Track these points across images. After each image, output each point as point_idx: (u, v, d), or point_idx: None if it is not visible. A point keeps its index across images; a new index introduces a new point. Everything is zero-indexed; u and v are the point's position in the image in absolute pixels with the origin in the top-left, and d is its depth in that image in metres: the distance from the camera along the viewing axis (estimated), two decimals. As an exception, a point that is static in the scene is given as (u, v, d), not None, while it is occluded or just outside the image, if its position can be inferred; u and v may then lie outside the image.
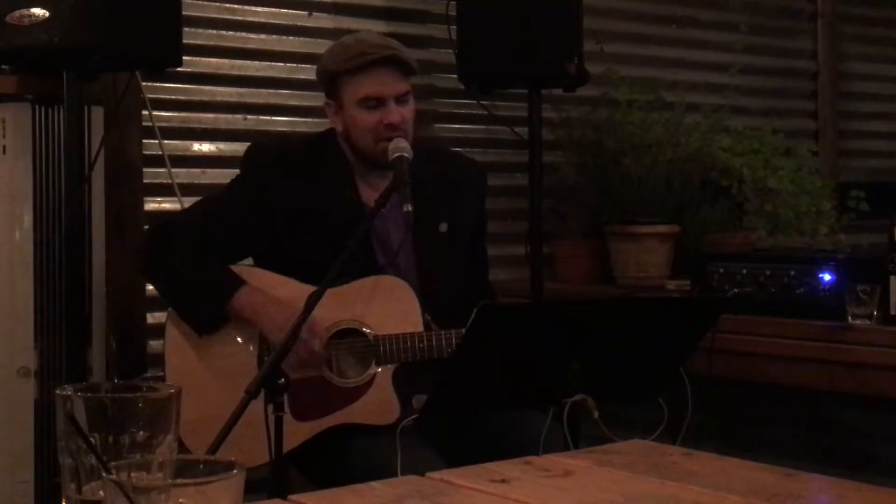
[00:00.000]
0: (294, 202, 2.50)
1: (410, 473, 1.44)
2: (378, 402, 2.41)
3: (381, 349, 2.42)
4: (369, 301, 2.44)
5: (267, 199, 2.50)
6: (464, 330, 2.35)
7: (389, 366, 2.43)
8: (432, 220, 2.55)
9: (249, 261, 2.61)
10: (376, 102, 2.48)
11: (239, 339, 2.48)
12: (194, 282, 2.47)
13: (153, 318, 3.16)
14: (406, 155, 2.41)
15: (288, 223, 2.49)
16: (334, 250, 2.22)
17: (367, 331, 2.44)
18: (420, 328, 2.44)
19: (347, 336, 2.46)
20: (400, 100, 2.49)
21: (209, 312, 2.43)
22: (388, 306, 2.44)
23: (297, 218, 2.49)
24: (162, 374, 2.55)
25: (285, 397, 2.13)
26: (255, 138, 3.35)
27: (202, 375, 2.42)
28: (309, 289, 2.29)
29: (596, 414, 1.93)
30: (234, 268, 2.49)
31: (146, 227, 3.08)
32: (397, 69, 2.49)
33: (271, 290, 2.45)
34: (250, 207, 2.50)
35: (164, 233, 2.56)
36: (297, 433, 2.31)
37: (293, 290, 2.42)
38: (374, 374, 2.43)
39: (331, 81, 2.54)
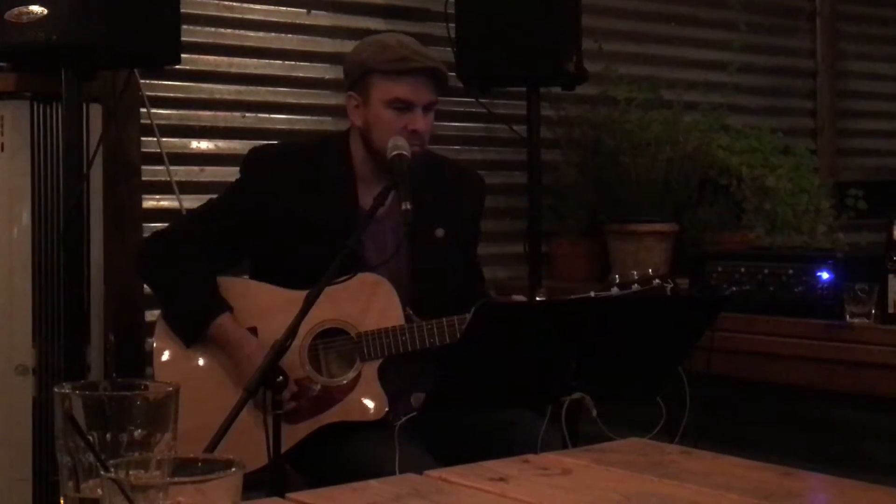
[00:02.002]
0: (290, 205, 2.50)
1: (407, 472, 1.44)
2: (366, 399, 2.42)
3: (365, 346, 2.43)
4: (350, 299, 2.44)
5: (263, 203, 2.51)
6: (445, 319, 2.38)
7: (374, 361, 2.43)
8: (429, 225, 2.55)
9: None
10: (406, 106, 2.48)
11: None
12: (182, 297, 2.51)
13: (151, 315, 3.15)
14: (405, 153, 2.41)
15: (284, 226, 2.50)
16: (330, 254, 2.23)
17: (350, 329, 2.45)
18: (401, 322, 2.45)
19: (331, 335, 2.46)
20: (427, 108, 2.50)
21: (190, 331, 2.48)
22: (368, 302, 2.45)
23: (294, 221, 2.50)
24: None
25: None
26: (254, 136, 3.35)
27: (192, 385, 2.42)
28: (295, 294, 2.33)
29: (594, 412, 1.93)
30: (224, 281, 2.51)
31: (146, 235, 3.10)
32: (433, 79, 2.50)
33: (258, 300, 2.49)
34: (246, 211, 2.52)
35: (162, 240, 2.59)
36: (289, 436, 2.31)
37: (281, 298, 2.45)
38: (360, 371, 2.44)
39: (362, 76, 2.52)
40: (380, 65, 2.49)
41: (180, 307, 2.51)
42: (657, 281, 2.45)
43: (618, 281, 2.47)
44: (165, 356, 2.51)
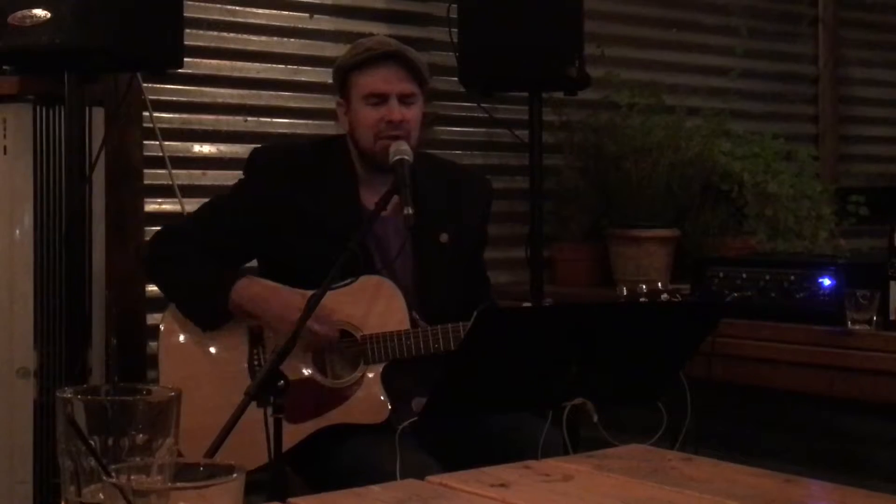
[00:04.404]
0: (294, 206, 2.51)
1: (408, 477, 1.44)
2: (368, 402, 2.42)
3: (369, 349, 2.43)
4: (356, 302, 2.44)
5: (266, 203, 2.51)
6: (450, 325, 2.38)
7: (378, 365, 2.44)
8: (434, 230, 2.55)
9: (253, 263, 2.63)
10: (379, 99, 2.50)
11: (229, 348, 2.50)
12: (195, 281, 2.51)
13: (153, 318, 3.15)
14: (406, 158, 2.42)
15: (288, 227, 2.50)
16: (334, 254, 2.23)
17: (355, 331, 2.45)
18: (407, 326, 2.45)
19: None
20: (404, 100, 2.51)
21: (211, 307, 2.47)
22: (374, 306, 2.45)
23: (297, 221, 2.50)
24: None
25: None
26: (256, 140, 3.35)
27: (196, 383, 2.42)
28: (303, 293, 2.32)
29: (595, 418, 1.93)
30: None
31: (151, 230, 3.11)
32: (404, 69, 2.51)
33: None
34: (250, 211, 2.52)
35: (167, 238, 2.59)
36: (290, 435, 2.31)
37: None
38: (363, 374, 2.44)
39: (342, 79, 2.57)
40: (349, 62, 2.54)
41: (196, 290, 2.51)
42: (665, 296, 2.46)
43: (625, 294, 2.47)
44: (170, 357, 2.51)
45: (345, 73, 2.55)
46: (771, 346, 2.95)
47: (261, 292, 2.46)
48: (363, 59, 2.51)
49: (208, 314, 2.48)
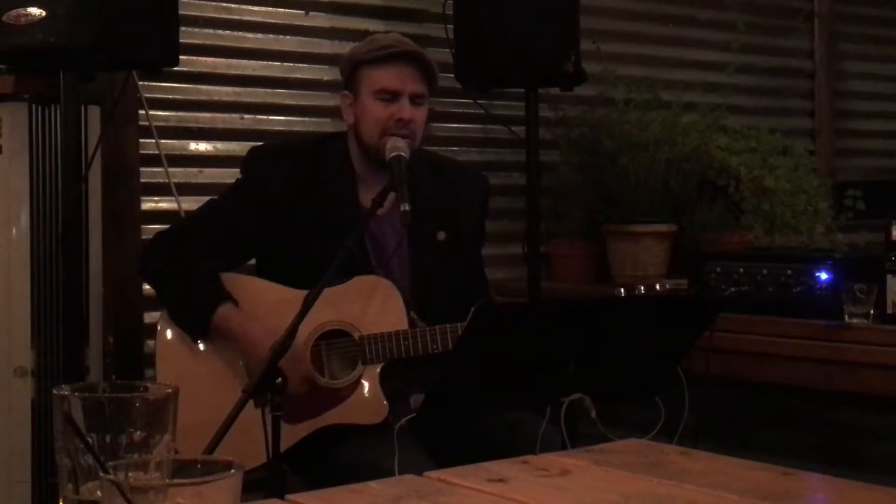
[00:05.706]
0: (291, 204, 2.51)
1: (406, 473, 1.44)
2: (366, 402, 2.42)
3: (367, 349, 2.43)
4: (354, 301, 2.44)
5: (264, 202, 2.51)
6: (448, 325, 2.38)
7: (376, 365, 2.43)
8: (431, 228, 2.55)
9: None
10: (391, 97, 2.50)
11: (226, 346, 2.49)
12: (183, 292, 2.51)
13: (150, 317, 3.15)
14: (403, 154, 2.42)
15: (285, 225, 2.50)
16: (333, 253, 2.23)
17: (353, 331, 2.45)
18: (405, 326, 2.45)
19: (334, 337, 2.46)
20: (415, 100, 2.51)
21: (194, 324, 2.48)
22: (372, 305, 2.45)
23: (295, 220, 2.50)
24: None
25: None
26: (252, 137, 3.35)
27: (193, 381, 2.42)
28: (297, 293, 2.32)
29: (593, 413, 1.93)
30: (228, 277, 2.51)
31: (148, 228, 3.11)
32: (419, 70, 2.51)
33: (259, 296, 2.49)
34: (248, 211, 2.52)
35: (164, 240, 2.59)
36: (288, 436, 2.31)
37: (282, 296, 2.45)
38: (361, 374, 2.43)
39: (352, 71, 2.56)
40: (364, 55, 2.53)
41: (183, 302, 2.51)
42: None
43: (623, 294, 2.47)
44: (167, 354, 2.51)
45: (356, 66, 2.55)
46: (768, 341, 2.95)
47: (239, 324, 2.44)
48: (381, 56, 2.51)
49: (192, 329, 2.49)
